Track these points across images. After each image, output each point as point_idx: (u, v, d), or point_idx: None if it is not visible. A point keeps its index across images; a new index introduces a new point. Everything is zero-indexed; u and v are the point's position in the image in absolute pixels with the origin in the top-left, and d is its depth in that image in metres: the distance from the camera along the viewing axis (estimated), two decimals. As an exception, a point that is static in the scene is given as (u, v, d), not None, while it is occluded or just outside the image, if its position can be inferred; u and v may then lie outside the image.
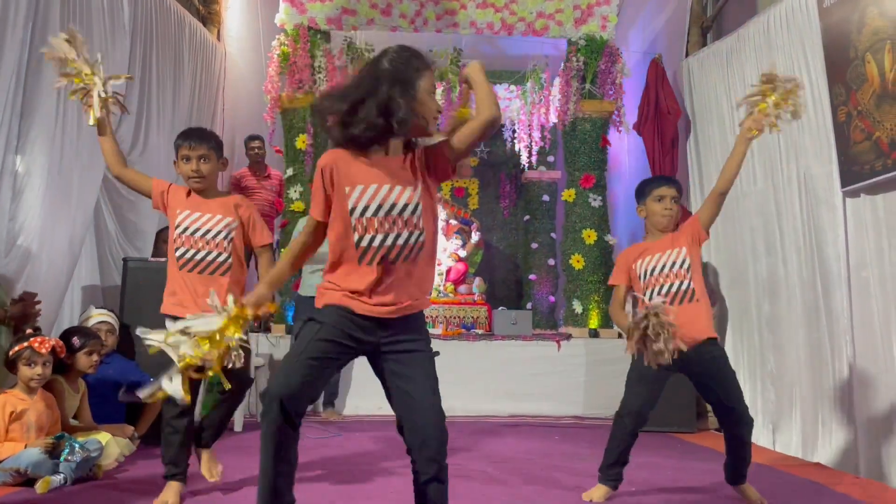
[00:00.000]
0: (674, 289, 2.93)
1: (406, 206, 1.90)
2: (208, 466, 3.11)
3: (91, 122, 2.76)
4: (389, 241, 1.89)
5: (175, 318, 2.25)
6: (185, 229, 2.86)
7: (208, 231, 2.86)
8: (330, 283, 1.96)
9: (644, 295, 2.96)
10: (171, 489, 2.85)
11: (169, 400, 2.15)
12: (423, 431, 1.87)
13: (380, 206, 1.89)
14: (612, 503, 3.04)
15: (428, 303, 2.00)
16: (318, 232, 2.03)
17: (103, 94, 2.77)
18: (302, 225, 4.42)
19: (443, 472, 1.89)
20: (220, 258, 2.85)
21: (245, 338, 1.85)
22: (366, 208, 1.89)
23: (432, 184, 1.96)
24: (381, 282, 1.90)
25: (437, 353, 1.97)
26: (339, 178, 1.92)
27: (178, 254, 2.86)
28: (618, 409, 3.06)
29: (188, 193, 2.93)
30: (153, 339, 1.91)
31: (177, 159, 2.93)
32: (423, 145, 1.95)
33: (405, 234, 1.90)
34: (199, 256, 2.84)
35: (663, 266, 2.96)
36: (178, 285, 2.87)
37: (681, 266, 2.94)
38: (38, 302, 3.40)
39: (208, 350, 1.85)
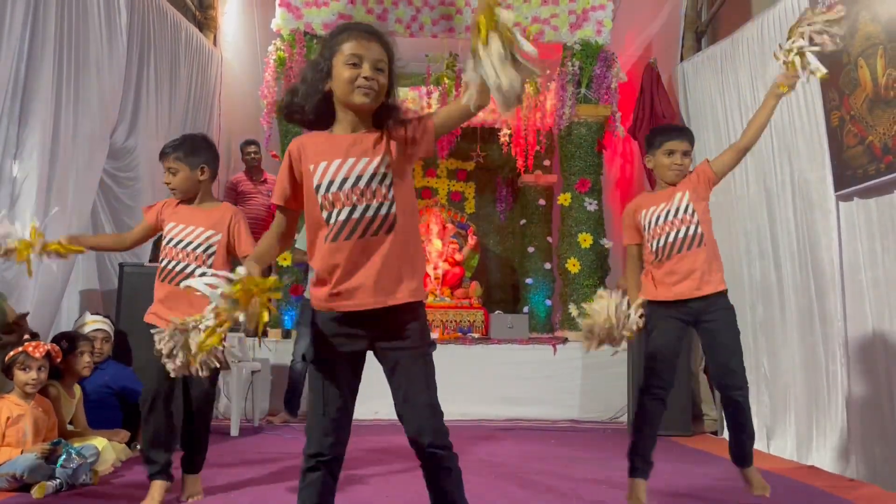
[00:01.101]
0: (681, 234, 2.85)
1: (373, 175, 1.85)
2: (186, 490, 2.98)
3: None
4: (357, 214, 1.84)
5: (152, 328, 2.36)
6: (170, 240, 2.89)
7: (189, 243, 2.87)
8: (314, 278, 1.91)
9: (652, 245, 2.92)
10: (153, 488, 2.83)
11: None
12: (416, 424, 1.86)
13: (345, 179, 1.85)
14: (608, 507, 3.05)
15: (420, 293, 1.89)
16: (286, 219, 1.96)
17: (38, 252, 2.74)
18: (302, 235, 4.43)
19: (446, 460, 1.87)
20: (198, 272, 2.81)
21: (220, 348, 1.77)
22: (331, 182, 1.85)
23: (409, 156, 1.90)
24: (353, 258, 1.83)
25: (434, 346, 1.92)
26: (305, 158, 1.90)
27: (161, 264, 2.90)
28: (639, 385, 2.98)
29: (178, 203, 2.96)
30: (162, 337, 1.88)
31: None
32: (400, 118, 1.89)
33: (374, 204, 1.84)
34: (178, 268, 2.85)
35: (667, 214, 2.88)
36: (159, 295, 2.89)
37: (685, 211, 2.85)
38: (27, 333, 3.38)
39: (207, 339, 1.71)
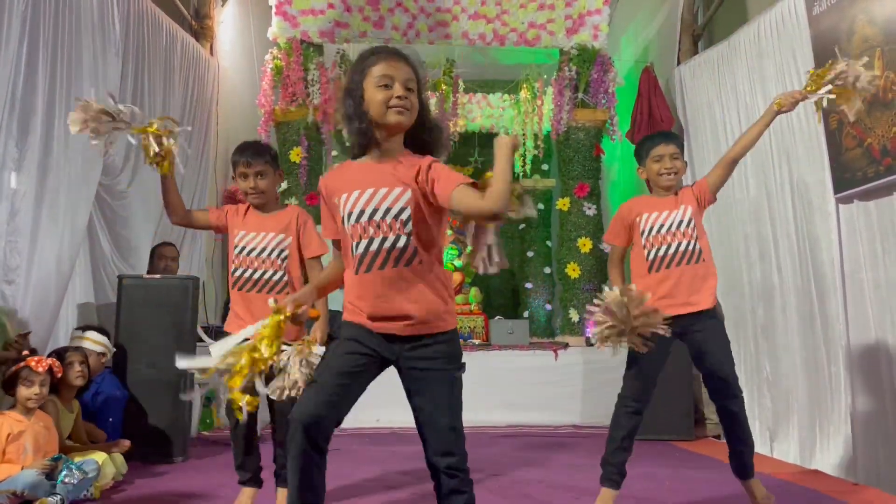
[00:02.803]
0: (681, 248, 2.84)
1: (389, 209, 1.86)
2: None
3: (163, 171, 2.77)
4: (375, 246, 1.86)
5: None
6: (242, 249, 2.90)
7: (263, 249, 2.88)
8: (347, 301, 1.96)
9: (647, 253, 2.89)
10: (243, 495, 2.96)
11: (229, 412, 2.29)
12: (435, 446, 1.87)
13: (363, 211, 1.88)
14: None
15: (450, 322, 1.92)
16: (338, 254, 2.03)
17: (171, 143, 2.76)
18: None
19: (462, 484, 1.87)
20: (275, 276, 2.86)
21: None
22: (351, 213, 1.89)
23: (432, 198, 1.89)
24: (376, 291, 1.87)
25: (464, 368, 1.94)
26: (331, 191, 1.96)
27: (234, 274, 2.90)
28: (619, 392, 2.96)
29: (246, 211, 2.96)
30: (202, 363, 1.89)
31: (234, 175, 2.98)
32: (435, 160, 1.90)
33: (391, 238, 1.86)
34: (255, 276, 2.87)
35: (670, 224, 2.86)
36: (237, 304, 2.91)
37: (687, 225, 2.85)
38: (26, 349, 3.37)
39: (246, 363, 1.78)
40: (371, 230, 1.87)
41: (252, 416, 2.82)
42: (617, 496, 2.91)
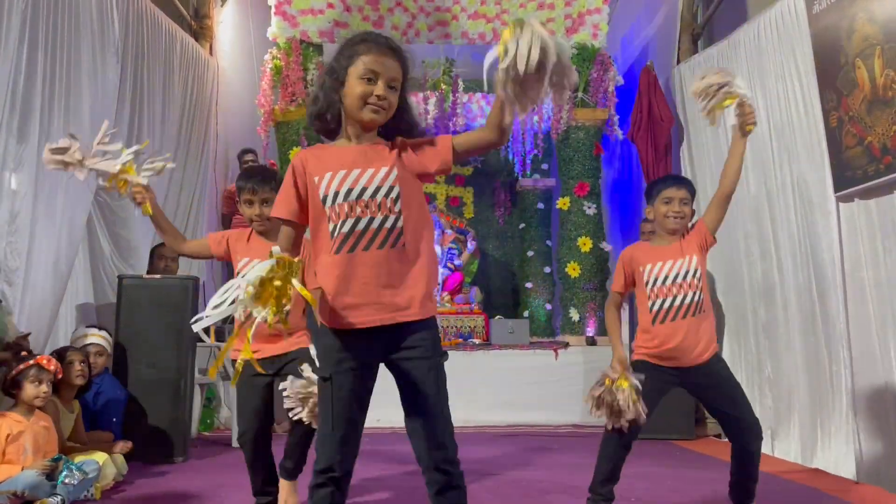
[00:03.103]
0: (687, 300, 2.76)
1: (379, 188, 1.82)
2: (283, 498, 3.00)
3: (145, 212, 2.75)
4: (361, 226, 1.80)
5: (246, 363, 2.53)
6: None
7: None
8: (325, 293, 1.84)
9: (652, 304, 2.81)
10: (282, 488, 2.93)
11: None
12: (426, 439, 1.82)
13: (350, 190, 1.82)
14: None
15: (431, 308, 1.85)
16: (294, 234, 1.91)
17: (143, 182, 2.73)
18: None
19: (455, 478, 1.83)
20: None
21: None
22: (336, 194, 1.82)
23: (420, 172, 1.88)
24: (360, 275, 1.79)
25: (446, 356, 1.90)
26: (310, 171, 1.87)
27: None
28: (606, 423, 2.86)
29: (249, 237, 2.90)
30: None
31: (239, 201, 2.92)
32: (413, 132, 1.90)
33: (379, 217, 1.80)
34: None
35: (676, 276, 2.78)
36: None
37: (693, 276, 2.77)
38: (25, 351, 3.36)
39: (256, 295, 1.59)
40: (358, 209, 1.81)
41: (262, 423, 2.84)
42: (616, 497, 2.89)
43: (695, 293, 2.77)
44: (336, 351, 1.84)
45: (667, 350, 2.75)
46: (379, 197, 1.81)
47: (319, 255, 1.86)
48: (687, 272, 2.78)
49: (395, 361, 1.85)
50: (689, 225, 2.94)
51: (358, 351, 1.83)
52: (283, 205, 1.90)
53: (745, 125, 2.76)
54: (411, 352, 1.83)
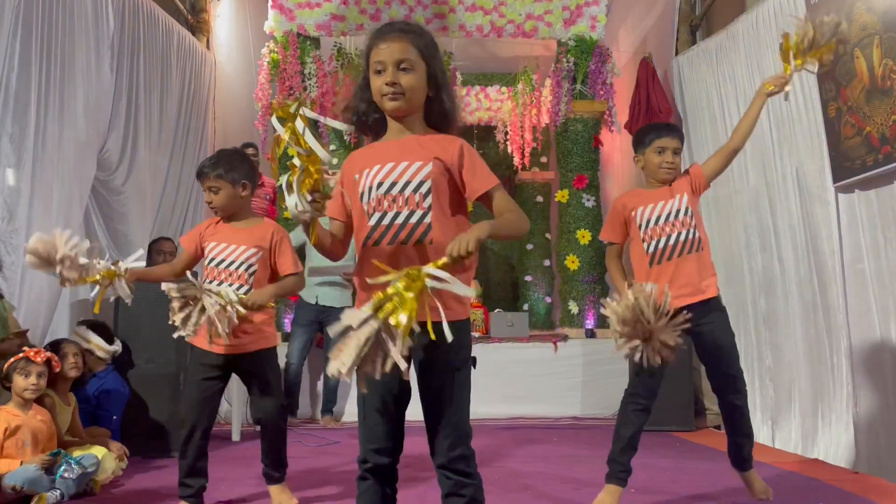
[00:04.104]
0: (681, 238, 2.76)
1: (409, 182, 1.78)
2: (275, 500, 3.00)
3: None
4: (388, 220, 1.77)
5: (193, 348, 2.83)
6: (211, 260, 2.85)
7: (231, 262, 2.83)
8: (359, 290, 1.86)
9: (647, 246, 2.81)
10: None
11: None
12: (434, 442, 1.79)
13: (381, 183, 1.80)
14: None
15: (461, 310, 1.78)
16: (340, 231, 1.91)
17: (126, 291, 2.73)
18: (297, 233, 4.42)
19: (460, 487, 1.77)
20: (241, 291, 2.78)
21: None
22: (371, 188, 1.80)
23: (459, 181, 1.83)
24: (373, 270, 1.71)
25: (470, 362, 1.81)
26: (352, 168, 1.88)
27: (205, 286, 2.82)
28: (627, 388, 2.90)
29: (218, 223, 2.92)
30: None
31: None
32: (465, 143, 1.84)
33: (405, 212, 1.77)
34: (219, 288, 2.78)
35: (667, 215, 2.78)
36: None
37: (685, 213, 2.77)
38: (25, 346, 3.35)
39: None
40: (386, 203, 1.78)
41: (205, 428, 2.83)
42: (620, 492, 2.88)
43: (688, 231, 2.78)
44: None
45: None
46: (408, 191, 1.78)
47: (361, 251, 1.86)
48: (678, 210, 2.80)
49: (416, 361, 1.81)
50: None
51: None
52: (330, 203, 1.88)
53: (768, 85, 2.78)
54: (432, 354, 1.76)
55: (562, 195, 6.29)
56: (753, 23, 4.67)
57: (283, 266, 2.89)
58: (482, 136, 7.17)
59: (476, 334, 5.97)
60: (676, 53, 5.83)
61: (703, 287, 2.77)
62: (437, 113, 1.86)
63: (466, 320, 1.81)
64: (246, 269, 2.83)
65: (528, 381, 5.49)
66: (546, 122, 6.46)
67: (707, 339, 2.81)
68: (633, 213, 2.87)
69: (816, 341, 4.09)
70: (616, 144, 6.82)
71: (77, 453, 3.17)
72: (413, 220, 1.77)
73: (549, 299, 6.77)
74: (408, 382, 1.80)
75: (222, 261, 2.83)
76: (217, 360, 2.84)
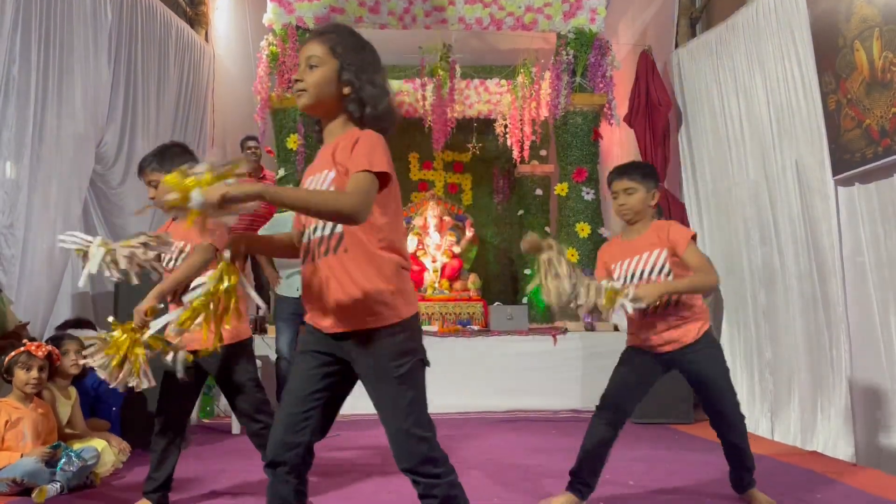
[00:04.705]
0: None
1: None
2: None
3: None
4: (307, 237, 1.78)
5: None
6: (169, 261, 2.74)
7: (181, 257, 2.72)
8: None
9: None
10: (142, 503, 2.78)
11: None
12: (392, 448, 1.75)
13: None
14: (612, 496, 3.03)
15: (387, 315, 1.72)
16: (297, 238, 1.89)
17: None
18: (280, 217, 4.39)
19: (428, 488, 1.73)
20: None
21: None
22: None
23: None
24: (312, 282, 1.75)
25: (411, 360, 1.74)
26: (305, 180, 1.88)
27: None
28: (598, 403, 2.88)
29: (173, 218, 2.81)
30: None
31: None
32: (365, 134, 1.73)
33: (319, 225, 1.74)
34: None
35: (642, 272, 2.74)
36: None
37: (660, 272, 2.72)
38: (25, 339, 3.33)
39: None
40: (303, 219, 1.79)
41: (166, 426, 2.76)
42: (615, 480, 2.87)
43: None
44: (309, 338, 1.83)
45: (644, 341, 2.76)
46: None
47: None
48: (653, 268, 2.74)
49: (358, 369, 1.79)
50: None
51: (330, 346, 1.78)
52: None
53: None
54: (367, 361, 1.74)
55: (561, 188, 6.28)
56: (753, 15, 4.66)
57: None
58: (481, 129, 7.17)
59: (475, 327, 5.98)
60: (676, 46, 5.81)
61: (680, 338, 2.73)
62: (355, 111, 1.78)
63: (398, 325, 1.73)
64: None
65: (528, 374, 5.49)
66: (545, 115, 6.45)
67: (693, 376, 2.80)
68: (613, 267, 2.83)
69: (816, 334, 4.09)
70: (615, 138, 6.82)
71: (77, 446, 3.18)
72: (326, 231, 1.74)
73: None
74: (332, 387, 1.79)
75: (171, 259, 2.73)
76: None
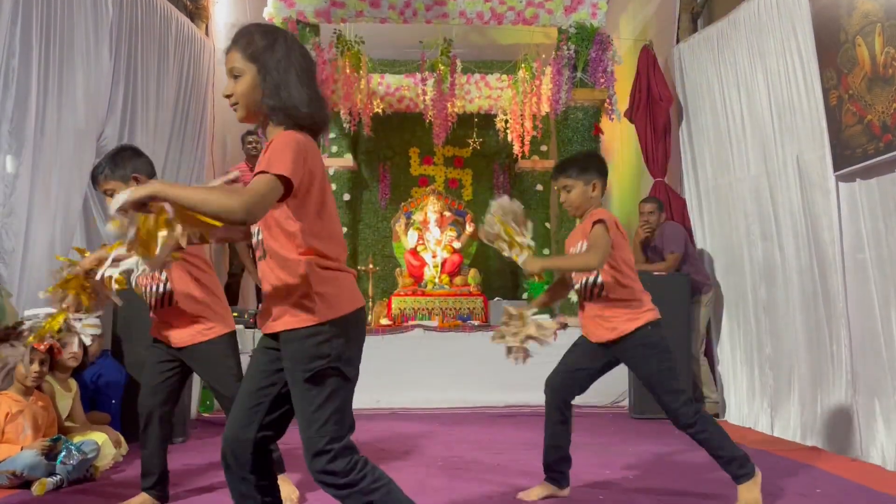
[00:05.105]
0: (585, 284, 2.85)
1: None
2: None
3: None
4: (254, 240, 1.81)
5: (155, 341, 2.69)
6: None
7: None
8: None
9: (575, 286, 2.92)
10: (140, 497, 2.76)
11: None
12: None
13: None
14: (611, 491, 3.04)
15: (301, 318, 1.69)
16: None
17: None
18: None
19: (339, 498, 1.70)
20: (159, 290, 2.68)
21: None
22: None
23: None
24: (261, 287, 1.79)
25: (322, 364, 1.68)
26: None
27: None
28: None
29: None
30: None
31: None
32: (280, 136, 1.69)
33: (256, 230, 1.78)
34: (149, 290, 2.71)
35: None
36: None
37: None
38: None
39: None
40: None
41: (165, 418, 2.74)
42: (614, 475, 2.88)
43: (587, 279, 2.82)
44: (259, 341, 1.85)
45: (583, 329, 2.89)
46: None
47: None
48: None
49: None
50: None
51: (269, 343, 1.79)
52: None
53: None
54: (285, 363, 1.73)
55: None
56: (755, 10, 4.65)
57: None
58: (482, 124, 7.15)
59: (475, 322, 5.97)
60: (678, 41, 5.80)
61: (610, 330, 2.79)
62: (277, 115, 1.73)
63: (313, 327, 1.69)
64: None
65: (527, 368, 5.39)
66: (546, 110, 6.45)
67: (631, 371, 2.88)
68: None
69: (816, 330, 4.09)
70: (616, 133, 6.81)
71: (77, 439, 3.18)
72: (260, 237, 1.76)
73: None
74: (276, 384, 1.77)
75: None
76: (166, 347, 2.74)
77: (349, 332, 1.73)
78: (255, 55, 1.72)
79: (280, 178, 1.60)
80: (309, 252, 1.70)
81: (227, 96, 1.75)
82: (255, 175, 1.62)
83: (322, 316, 1.69)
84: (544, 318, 2.80)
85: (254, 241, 1.81)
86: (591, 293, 2.81)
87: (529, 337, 2.75)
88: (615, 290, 2.78)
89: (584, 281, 2.85)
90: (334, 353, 1.69)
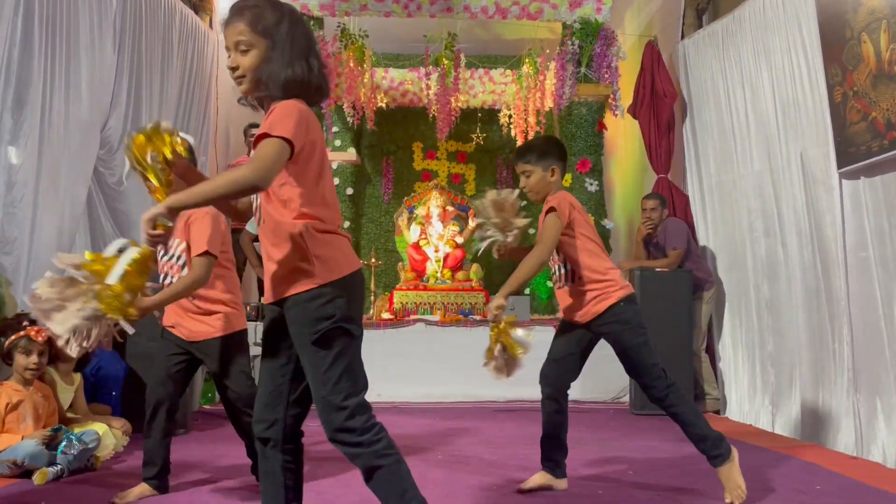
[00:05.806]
0: (555, 272, 2.93)
1: None
2: None
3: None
4: (252, 205, 1.88)
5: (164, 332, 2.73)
6: (164, 254, 2.75)
7: (172, 255, 2.74)
8: None
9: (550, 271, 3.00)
10: (139, 486, 2.77)
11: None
12: (320, 416, 1.75)
13: None
14: (610, 486, 3.04)
15: (303, 282, 1.71)
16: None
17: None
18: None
19: (356, 458, 1.74)
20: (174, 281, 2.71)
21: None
22: None
23: None
24: (262, 260, 1.83)
25: (326, 326, 1.70)
26: None
27: (163, 281, 2.78)
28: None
29: None
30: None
31: None
32: (277, 106, 1.73)
33: (254, 198, 1.85)
34: (166, 281, 2.75)
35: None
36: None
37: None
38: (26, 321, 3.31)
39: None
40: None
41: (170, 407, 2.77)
42: (614, 471, 2.90)
43: (557, 266, 2.90)
44: (268, 311, 1.88)
45: (563, 311, 2.95)
46: None
47: None
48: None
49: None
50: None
51: (275, 317, 1.82)
52: None
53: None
54: (291, 328, 1.76)
55: (565, 179, 6.26)
56: (760, 7, 4.63)
57: (192, 247, 2.66)
58: (485, 119, 7.13)
59: (477, 317, 5.97)
60: (682, 37, 5.78)
61: (583, 314, 2.85)
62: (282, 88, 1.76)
63: (315, 290, 1.71)
64: (177, 260, 2.73)
65: (529, 364, 5.40)
66: (550, 105, 6.42)
67: (612, 347, 2.88)
68: None
69: (818, 327, 4.09)
70: (620, 129, 6.79)
71: (78, 429, 3.19)
72: (258, 201, 1.80)
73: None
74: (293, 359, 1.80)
75: (165, 253, 2.74)
76: (177, 339, 2.76)
77: (350, 293, 1.76)
78: (267, 30, 1.75)
79: (283, 139, 1.64)
80: (306, 217, 1.73)
81: (234, 69, 1.76)
82: (256, 139, 1.66)
83: (322, 278, 1.72)
84: (524, 336, 2.82)
85: (253, 206, 1.86)
86: (563, 280, 2.88)
87: (503, 346, 2.79)
88: (583, 271, 2.83)
89: (556, 268, 2.91)
90: (339, 314, 1.71)
